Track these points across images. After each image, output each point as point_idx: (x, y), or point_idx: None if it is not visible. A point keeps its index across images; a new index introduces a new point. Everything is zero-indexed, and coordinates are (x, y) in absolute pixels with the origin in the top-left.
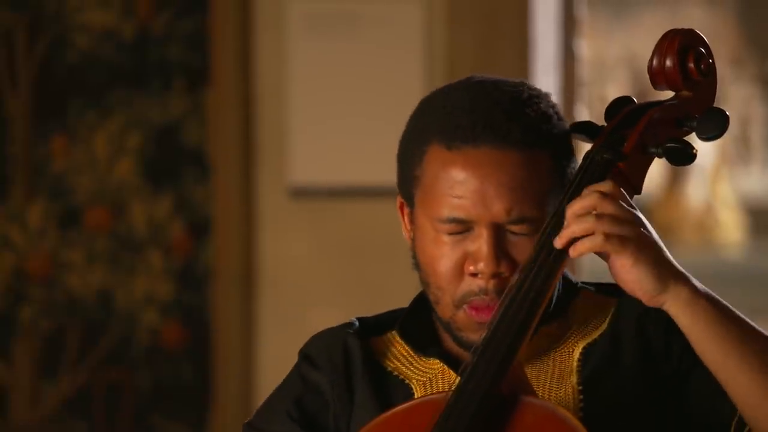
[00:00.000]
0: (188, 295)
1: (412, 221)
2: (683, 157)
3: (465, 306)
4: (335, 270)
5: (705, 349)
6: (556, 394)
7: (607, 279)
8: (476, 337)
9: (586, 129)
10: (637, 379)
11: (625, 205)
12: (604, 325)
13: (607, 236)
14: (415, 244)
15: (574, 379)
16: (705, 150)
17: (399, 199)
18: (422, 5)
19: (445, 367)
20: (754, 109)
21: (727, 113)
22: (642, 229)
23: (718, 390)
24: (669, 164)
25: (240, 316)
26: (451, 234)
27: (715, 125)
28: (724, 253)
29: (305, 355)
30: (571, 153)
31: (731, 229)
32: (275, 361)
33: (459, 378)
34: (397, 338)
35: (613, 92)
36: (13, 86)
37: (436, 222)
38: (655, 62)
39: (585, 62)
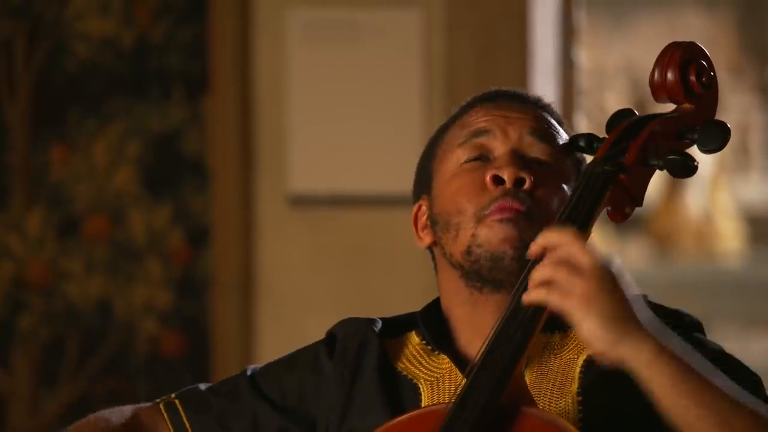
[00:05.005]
0: (187, 303)
1: (429, 199)
2: (684, 169)
3: (487, 214)
4: (334, 278)
5: (663, 405)
6: (557, 404)
7: None
8: (500, 245)
9: (587, 141)
10: (638, 390)
11: (580, 261)
12: None
13: (564, 292)
14: (434, 210)
15: (574, 388)
16: (704, 159)
17: (414, 208)
18: (421, 13)
19: (453, 366)
20: (753, 117)
21: (728, 125)
22: (599, 283)
23: None
24: (669, 176)
25: (239, 324)
26: (471, 160)
27: (715, 137)
28: (723, 262)
29: (330, 336)
30: (581, 165)
31: (730, 238)
32: None
33: (465, 380)
34: (411, 340)
35: (612, 101)
36: (12, 94)
37: (457, 150)
38: (656, 75)
39: (584, 70)
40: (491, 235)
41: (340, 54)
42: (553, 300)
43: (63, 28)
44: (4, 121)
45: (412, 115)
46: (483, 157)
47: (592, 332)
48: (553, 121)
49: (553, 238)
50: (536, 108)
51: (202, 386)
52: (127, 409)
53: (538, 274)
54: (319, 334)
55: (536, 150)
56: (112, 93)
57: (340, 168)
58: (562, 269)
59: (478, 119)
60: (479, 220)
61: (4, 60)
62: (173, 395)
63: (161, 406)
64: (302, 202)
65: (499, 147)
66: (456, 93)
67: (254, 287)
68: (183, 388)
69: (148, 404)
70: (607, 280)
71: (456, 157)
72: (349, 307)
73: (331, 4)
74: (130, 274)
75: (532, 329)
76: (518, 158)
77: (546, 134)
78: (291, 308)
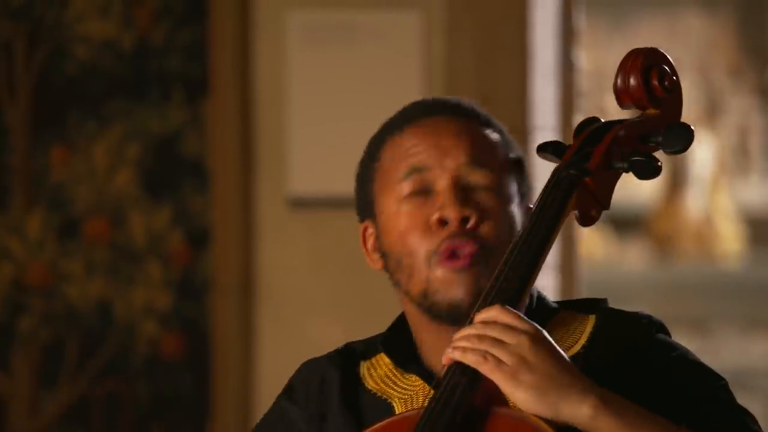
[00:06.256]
0: (187, 305)
1: (375, 227)
2: (648, 170)
3: (437, 258)
4: (334, 280)
5: None
6: None
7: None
8: (457, 294)
9: (554, 148)
10: (618, 389)
11: (511, 327)
12: (577, 347)
13: (486, 356)
14: (383, 243)
15: None
16: (704, 160)
17: (361, 228)
18: (421, 15)
19: (425, 384)
20: (752, 119)
21: (692, 127)
22: (526, 352)
23: None
24: (636, 178)
25: (239, 326)
26: (413, 196)
27: (678, 139)
28: (723, 264)
29: (288, 386)
30: (522, 164)
31: (730, 240)
32: (274, 371)
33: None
34: (382, 360)
35: (612, 103)
36: (12, 96)
37: (397, 186)
38: (619, 82)
39: (584, 72)
40: (446, 283)
41: (339, 56)
42: (483, 370)
43: (63, 31)
44: (5, 123)
45: None
46: (424, 192)
47: (525, 405)
48: (487, 132)
49: (475, 329)
50: (467, 121)
51: None
52: None
53: (465, 332)
54: (319, 336)
55: (476, 177)
56: (112, 95)
57: (339, 170)
58: (485, 342)
59: (413, 150)
60: (430, 265)
61: (5, 62)
62: None
63: None
64: (302, 203)
65: (438, 181)
66: (456, 95)
67: (254, 289)
68: (182, 390)
69: None
70: (534, 346)
71: (396, 193)
72: (348, 309)
73: (330, 6)
74: (130, 276)
75: None
76: (460, 193)
77: (483, 157)
78: (291, 310)
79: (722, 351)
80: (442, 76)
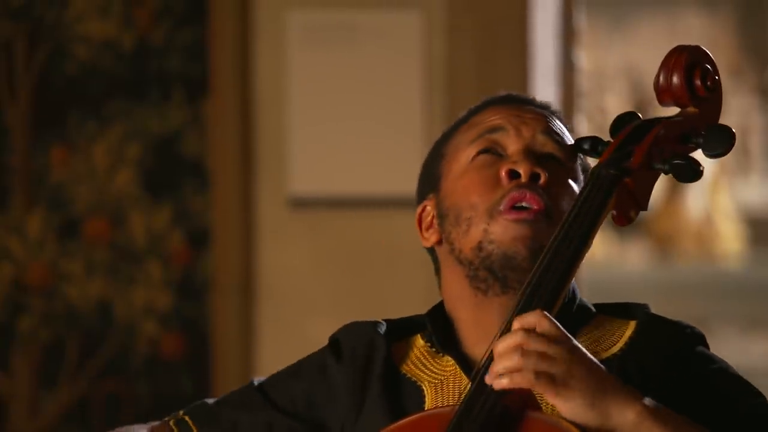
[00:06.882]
0: (187, 305)
1: (437, 196)
2: (690, 174)
3: (501, 207)
4: (334, 281)
5: None
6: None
7: (616, 297)
8: (514, 245)
9: (592, 144)
10: (648, 394)
11: (552, 337)
12: (614, 349)
13: (537, 374)
14: (443, 206)
15: None
16: (704, 160)
17: (418, 209)
18: (421, 16)
19: (458, 369)
20: (753, 119)
21: (733, 130)
22: (571, 363)
23: None
24: (670, 179)
25: (239, 326)
26: (482, 154)
27: (721, 142)
28: (723, 263)
29: (335, 341)
30: (580, 156)
31: (731, 239)
32: (274, 371)
33: (469, 384)
34: (416, 343)
35: (613, 103)
36: (13, 96)
37: (468, 147)
38: (661, 79)
39: (584, 72)
40: (505, 233)
41: (339, 56)
42: (531, 365)
43: (63, 31)
44: (5, 123)
45: (413, 117)
46: (495, 153)
47: (574, 415)
48: (561, 125)
49: (517, 339)
50: (545, 111)
51: (209, 401)
52: (139, 428)
53: (506, 343)
54: (319, 337)
55: (549, 148)
56: (112, 95)
57: (340, 170)
58: (535, 340)
59: (490, 117)
60: (492, 216)
61: (5, 62)
62: (182, 412)
63: (171, 423)
64: (302, 204)
65: (512, 144)
66: (456, 95)
67: (254, 289)
68: (182, 390)
69: (158, 423)
70: (577, 356)
71: (467, 154)
72: (349, 309)
73: (330, 6)
74: (130, 276)
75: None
76: (533, 155)
77: (557, 135)
78: (291, 310)
79: (722, 351)
80: (442, 76)
